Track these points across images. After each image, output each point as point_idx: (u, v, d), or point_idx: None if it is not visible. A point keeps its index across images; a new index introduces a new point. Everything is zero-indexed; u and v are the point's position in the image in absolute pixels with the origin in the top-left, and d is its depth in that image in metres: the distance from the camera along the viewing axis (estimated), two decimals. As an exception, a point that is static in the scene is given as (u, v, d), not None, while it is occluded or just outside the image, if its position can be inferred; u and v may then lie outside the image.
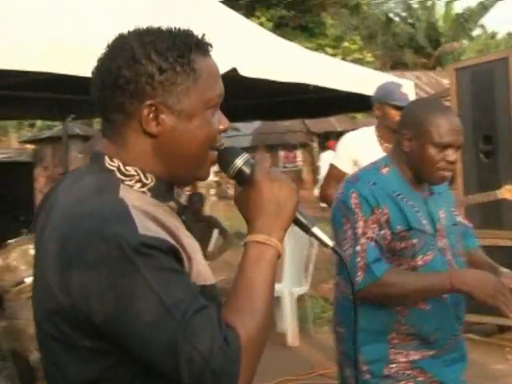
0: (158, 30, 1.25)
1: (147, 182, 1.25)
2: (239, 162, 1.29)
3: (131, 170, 1.24)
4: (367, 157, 3.01)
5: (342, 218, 2.29)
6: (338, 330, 2.44)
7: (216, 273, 6.01)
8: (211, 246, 7.39)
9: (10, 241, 5.32)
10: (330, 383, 5.00)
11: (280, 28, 17.98)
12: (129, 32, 1.26)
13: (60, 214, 1.21)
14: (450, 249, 2.33)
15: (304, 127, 19.86)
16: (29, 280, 5.25)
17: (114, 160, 1.24)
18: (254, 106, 7.11)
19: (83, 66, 3.17)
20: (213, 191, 16.32)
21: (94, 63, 1.26)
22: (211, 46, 1.29)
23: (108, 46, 1.26)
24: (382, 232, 2.21)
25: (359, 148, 3.97)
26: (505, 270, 2.32)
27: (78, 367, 1.19)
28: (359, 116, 16.50)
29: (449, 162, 2.23)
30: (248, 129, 21.81)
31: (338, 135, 9.23)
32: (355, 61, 18.24)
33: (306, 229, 1.32)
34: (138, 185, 1.25)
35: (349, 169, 3.91)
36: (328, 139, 17.15)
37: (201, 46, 1.26)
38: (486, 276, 2.17)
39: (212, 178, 18.27)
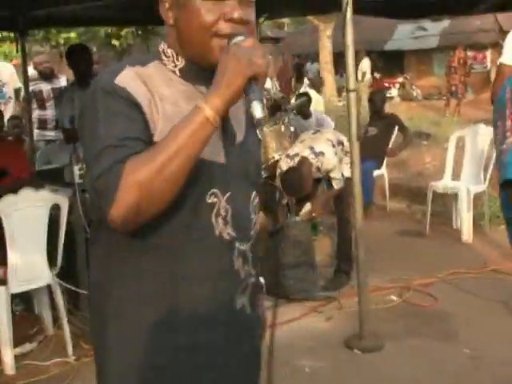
0: None
1: (178, 63, 1.43)
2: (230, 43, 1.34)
3: (169, 52, 1.44)
4: None
5: (496, 114, 2.19)
6: None
7: (392, 170, 5.98)
8: (391, 143, 7.28)
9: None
10: (501, 278, 4.89)
11: None
12: None
13: None
14: None
15: (496, 26, 18.37)
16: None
17: (164, 45, 1.46)
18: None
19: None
20: (395, 92, 15.91)
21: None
22: None
23: None
24: None
25: None
26: None
27: None
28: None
29: None
30: (436, 28, 20.65)
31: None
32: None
33: (247, 100, 1.30)
34: (172, 65, 1.43)
35: None
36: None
37: None
38: None
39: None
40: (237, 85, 1.27)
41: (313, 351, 3.90)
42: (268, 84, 17.29)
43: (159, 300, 1.41)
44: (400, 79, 19.41)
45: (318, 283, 4.89)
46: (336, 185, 4.86)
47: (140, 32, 18.94)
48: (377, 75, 18.75)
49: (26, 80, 6.40)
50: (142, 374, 1.43)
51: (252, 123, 1.45)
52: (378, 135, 7.12)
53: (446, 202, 6.65)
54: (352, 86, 3.61)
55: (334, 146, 4.83)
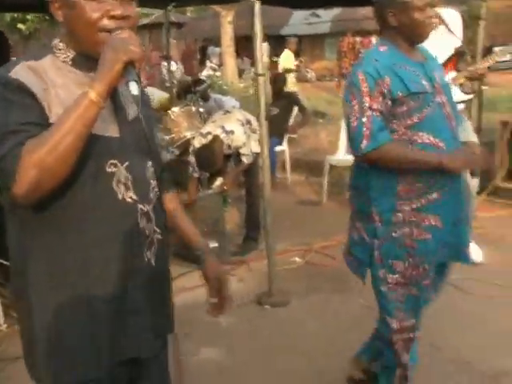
0: None
1: (69, 54, 1.59)
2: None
3: (61, 45, 1.60)
4: None
5: (349, 95, 2.47)
6: (352, 191, 2.72)
7: (292, 146, 6.33)
8: (291, 121, 7.66)
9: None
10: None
11: None
12: None
13: None
14: (448, 104, 2.51)
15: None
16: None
17: (56, 39, 1.61)
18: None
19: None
20: (292, 75, 16.34)
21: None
22: None
23: None
24: (385, 100, 2.40)
25: None
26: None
27: None
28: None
29: (429, 17, 2.42)
30: (328, 15, 21.33)
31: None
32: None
33: (125, 81, 1.49)
34: (63, 56, 1.59)
35: None
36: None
37: None
38: (464, 153, 2.47)
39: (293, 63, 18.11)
40: (115, 70, 1.45)
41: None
42: (173, 67, 17.35)
43: (73, 263, 1.55)
44: (296, 62, 19.90)
45: (229, 249, 5.21)
46: (246, 160, 5.15)
47: (48, 17, 18.34)
48: (275, 58, 19.15)
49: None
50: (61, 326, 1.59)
51: (143, 101, 1.61)
52: (279, 114, 7.47)
53: (340, 174, 7.02)
54: (260, 70, 3.88)
55: (243, 124, 5.12)
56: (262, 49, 3.87)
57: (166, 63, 9.86)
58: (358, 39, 17.00)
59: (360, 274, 2.72)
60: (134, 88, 1.48)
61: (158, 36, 19.95)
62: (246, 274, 4.80)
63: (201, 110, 6.17)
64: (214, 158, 4.98)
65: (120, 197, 1.58)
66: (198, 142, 5.13)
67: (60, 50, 1.60)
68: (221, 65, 17.03)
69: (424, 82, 2.46)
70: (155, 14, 16.06)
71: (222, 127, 5.07)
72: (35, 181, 1.40)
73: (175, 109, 6.07)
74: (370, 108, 2.40)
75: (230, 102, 7.48)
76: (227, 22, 16.67)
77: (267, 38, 17.68)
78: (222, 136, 5.02)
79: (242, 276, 4.76)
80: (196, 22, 21.03)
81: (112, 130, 1.58)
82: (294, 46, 13.32)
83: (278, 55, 19.34)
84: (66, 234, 1.55)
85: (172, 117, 5.85)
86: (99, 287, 1.58)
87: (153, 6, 7.17)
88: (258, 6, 3.74)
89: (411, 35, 2.48)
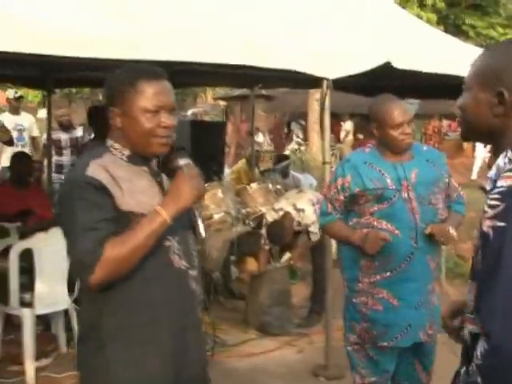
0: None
1: (125, 152, 1.93)
2: (181, 162, 1.91)
3: (116, 145, 1.93)
4: None
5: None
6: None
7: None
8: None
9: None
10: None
11: (453, 7, 17.37)
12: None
13: None
14: (416, 199, 2.91)
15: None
16: (216, 216, 6.13)
17: (110, 141, 1.95)
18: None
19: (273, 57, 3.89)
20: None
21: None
22: (160, 72, 1.92)
23: None
24: (338, 195, 2.96)
25: None
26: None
27: None
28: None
29: (403, 134, 2.88)
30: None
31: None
32: (525, 38, 17.31)
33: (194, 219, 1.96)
34: (119, 154, 1.92)
35: None
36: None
37: (147, 75, 1.89)
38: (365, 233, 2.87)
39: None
40: (189, 203, 1.87)
41: (284, 377, 4.43)
42: (260, 138, 18.01)
43: (146, 322, 1.87)
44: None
45: (293, 321, 5.45)
46: (313, 237, 5.44)
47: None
48: (360, 136, 19.49)
49: (49, 130, 7.00)
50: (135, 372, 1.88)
51: None
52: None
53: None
54: (327, 159, 4.24)
55: (313, 204, 5.44)
56: (329, 139, 4.22)
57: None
58: (444, 123, 17.09)
59: None
60: (201, 228, 2.01)
61: (249, 107, 20.70)
62: (306, 345, 5.00)
63: (278, 187, 6.54)
64: (284, 233, 5.32)
65: (176, 265, 1.92)
66: (270, 217, 5.50)
67: (116, 149, 1.93)
68: (306, 140, 17.53)
69: (388, 181, 2.90)
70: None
71: (294, 205, 5.42)
72: (110, 276, 1.77)
73: (253, 184, 6.49)
74: (324, 196, 3.07)
75: (307, 179, 7.82)
76: (314, 100, 17.22)
77: (351, 115, 18.09)
78: (293, 213, 5.36)
79: (302, 348, 4.97)
80: (286, 96, 21.71)
81: None
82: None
83: (362, 133, 19.68)
84: (135, 298, 1.87)
85: (249, 192, 6.27)
86: (165, 340, 1.90)
87: (240, 86, 7.63)
88: (327, 102, 4.12)
89: (388, 146, 2.95)
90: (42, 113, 9.25)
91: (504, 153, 1.47)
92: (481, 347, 1.36)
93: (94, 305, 1.89)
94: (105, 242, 1.75)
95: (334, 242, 4.53)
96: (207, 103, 28.04)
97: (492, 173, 1.48)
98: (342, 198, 3.00)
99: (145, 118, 1.87)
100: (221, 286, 5.90)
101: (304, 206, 5.42)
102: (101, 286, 1.79)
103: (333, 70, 4.06)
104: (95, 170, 1.82)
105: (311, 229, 5.41)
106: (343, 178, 2.98)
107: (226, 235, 5.92)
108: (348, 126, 17.47)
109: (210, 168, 6.55)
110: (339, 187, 2.99)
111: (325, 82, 4.07)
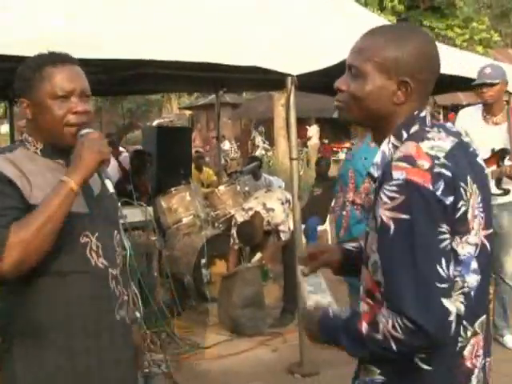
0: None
1: (38, 146, 1.85)
2: (81, 133, 1.80)
3: (30, 139, 1.86)
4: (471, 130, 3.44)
5: (338, 187, 2.81)
6: None
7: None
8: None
9: (171, 189, 6.17)
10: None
11: (412, 9, 17.72)
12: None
13: None
14: None
15: (431, 100, 19.65)
16: (185, 220, 6.10)
17: (25, 134, 1.88)
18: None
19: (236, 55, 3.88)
20: (343, 155, 16.79)
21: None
22: (67, 57, 1.84)
23: None
24: (369, 196, 2.68)
25: (466, 122, 4.32)
26: None
27: None
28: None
29: None
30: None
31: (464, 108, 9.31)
32: (482, 40, 17.76)
33: (101, 178, 1.82)
34: (33, 148, 1.85)
35: None
36: (454, 112, 16.96)
37: (52, 59, 1.81)
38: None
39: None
40: (92, 167, 1.74)
41: (260, 376, 4.40)
42: (227, 146, 18.03)
43: (58, 321, 1.78)
44: (347, 144, 20.35)
45: (267, 321, 5.42)
46: (283, 237, 5.44)
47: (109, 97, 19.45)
48: (325, 140, 19.68)
49: (12, 141, 6.91)
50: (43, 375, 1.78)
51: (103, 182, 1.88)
52: (322, 194, 7.81)
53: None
54: (294, 155, 4.22)
55: (283, 203, 5.45)
56: (295, 136, 4.22)
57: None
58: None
59: None
60: (110, 186, 1.81)
61: (215, 115, 20.79)
62: (280, 344, 4.99)
63: (246, 188, 6.54)
64: (254, 233, 5.30)
65: (93, 263, 1.83)
66: (239, 217, 5.47)
67: (29, 142, 1.86)
68: (272, 145, 17.60)
69: None
70: (212, 95, 16.86)
71: (264, 204, 5.41)
72: (20, 260, 1.65)
73: (221, 187, 6.47)
74: (352, 202, 2.75)
75: (277, 182, 7.86)
76: (280, 105, 17.32)
77: (317, 120, 18.27)
78: (263, 213, 5.35)
79: (276, 347, 4.95)
80: (251, 103, 21.82)
81: (82, 207, 1.84)
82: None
83: (327, 137, 19.88)
84: (49, 294, 1.78)
85: (218, 195, 6.25)
86: (78, 340, 1.80)
87: (205, 91, 7.66)
88: (292, 98, 4.12)
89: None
90: (4, 128, 9.09)
91: (387, 139, 1.49)
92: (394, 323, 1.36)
93: (6, 302, 1.83)
94: (10, 226, 1.68)
95: (304, 241, 4.51)
96: (173, 113, 27.98)
97: (378, 159, 1.49)
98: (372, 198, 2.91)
99: (54, 105, 1.79)
100: (192, 290, 5.84)
101: (273, 205, 5.41)
102: (13, 274, 1.68)
103: (297, 66, 4.07)
104: (2, 164, 1.76)
105: (281, 228, 5.41)
106: None
107: (196, 239, 5.88)
108: (313, 130, 17.61)
109: (178, 172, 6.53)
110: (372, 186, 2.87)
111: (289, 78, 4.06)
